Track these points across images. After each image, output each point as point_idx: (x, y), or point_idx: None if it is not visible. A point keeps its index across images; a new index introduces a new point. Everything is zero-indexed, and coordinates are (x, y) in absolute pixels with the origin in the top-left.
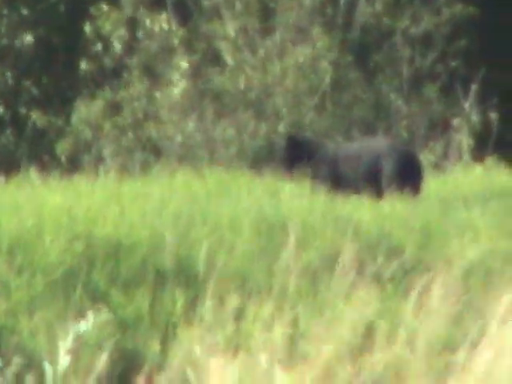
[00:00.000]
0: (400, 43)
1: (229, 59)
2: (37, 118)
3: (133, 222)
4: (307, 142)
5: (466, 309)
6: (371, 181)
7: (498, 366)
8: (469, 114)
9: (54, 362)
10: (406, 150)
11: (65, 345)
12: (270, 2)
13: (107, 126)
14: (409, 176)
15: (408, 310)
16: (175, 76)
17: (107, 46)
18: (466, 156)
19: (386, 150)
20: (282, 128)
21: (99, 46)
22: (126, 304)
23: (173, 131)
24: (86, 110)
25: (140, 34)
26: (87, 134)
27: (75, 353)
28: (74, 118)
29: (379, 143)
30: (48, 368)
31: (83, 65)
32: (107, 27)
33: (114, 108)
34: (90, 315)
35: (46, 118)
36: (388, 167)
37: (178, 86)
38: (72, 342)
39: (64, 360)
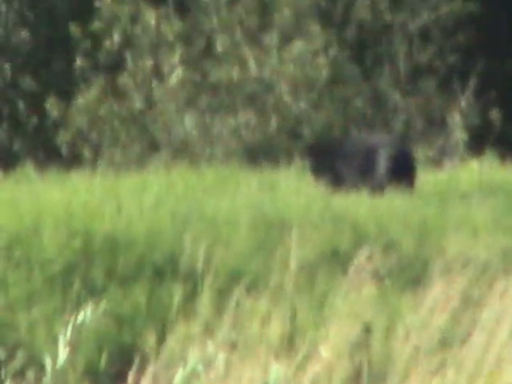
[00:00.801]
0: (398, 38)
1: (225, 52)
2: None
3: (130, 217)
4: (328, 145)
5: (465, 304)
6: (367, 176)
7: (490, 353)
8: (466, 108)
9: (53, 356)
10: (399, 145)
11: (64, 338)
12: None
13: (105, 114)
14: (402, 171)
15: (406, 305)
16: (170, 68)
17: (99, 42)
18: (464, 151)
19: (381, 145)
20: (279, 123)
21: (88, 44)
22: (123, 299)
23: (170, 124)
24: (82, 100)
25: (139, 28)
26: (84, 123)
27: (74, 346)
28: (73, 109)
29: (374, 139)
30: (48, 362)
31: (78, 61)
32: (97, 25)
33: (112, 97)
34: (89, 308)
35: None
36: (382, 163)
37: (174, 79)
38: (71, 334)
39: (63, 353)
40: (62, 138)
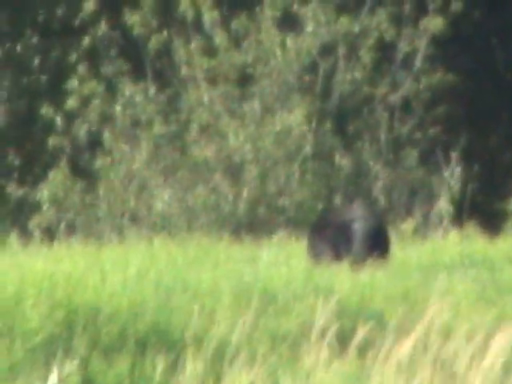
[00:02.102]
0: (379, 110)
1: (206, 123)
2: (12, 190)
3: (113, 289)
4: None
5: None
6: (343, 249)
7: None
8: (449, 181)
9: None
10: (373, 218)
11: None
12: (249, 69)
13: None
14: (375, 245)
15: (391, 378)
16: (150, 145)
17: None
18: (446, 223)
19: (355, 219)
20: (260, 196)
21: (59, 122)
22: (106, 370)
23: (151, 199)
24: (52, 185)
25: (118, 103)
26: (52, 209)
27: None
28: (43, 194)
29: (350, 212)
30: None
31: (51, 140)
32: (71, 104)
33: (90, 177)
34: (55, 370)
35: (22, 191)
36: (356, 236)
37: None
38: None
39: None
40: (35, 222)
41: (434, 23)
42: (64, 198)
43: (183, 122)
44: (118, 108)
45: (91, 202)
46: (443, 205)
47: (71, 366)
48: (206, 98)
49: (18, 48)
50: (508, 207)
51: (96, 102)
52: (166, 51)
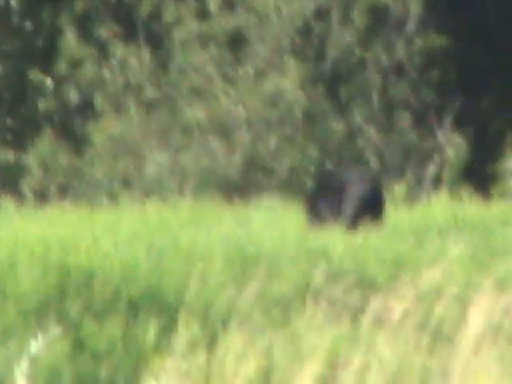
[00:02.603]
0: (372, 73)
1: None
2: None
3: (106, 252)
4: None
5: (438, 338)
6: (338, 212)
7: None
8: (443, 144)
9: None
10: (369, 181)
11: (20, 369)
12: (243, 33)
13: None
14: (371, 208)
15: (381, 340)
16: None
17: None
18: (440, 186)
19: (351, 181)
20: (252, 158)
21: (50, 86)
22: (98, 333)
23: (143, 163)
24: (39, 149)
25: (111, 65)
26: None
27: (31, 377)
28: (32, 156)
29: (346, 175)
30: None
31: (41, 104)
32: (63, 67)
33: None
34: (40, 335)
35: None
36: (351, 199)
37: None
38: (28, 365)
39: None
40: (28, 183)
41: None
42: (52, 162)
43: (175, 84)
44: (110, 71)
45: (82, 166)
46: (436, 168)
47: (55, 332)
48: (197, 61)
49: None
50: (499, 169)
51: (87, 65)
52: (157, 14)
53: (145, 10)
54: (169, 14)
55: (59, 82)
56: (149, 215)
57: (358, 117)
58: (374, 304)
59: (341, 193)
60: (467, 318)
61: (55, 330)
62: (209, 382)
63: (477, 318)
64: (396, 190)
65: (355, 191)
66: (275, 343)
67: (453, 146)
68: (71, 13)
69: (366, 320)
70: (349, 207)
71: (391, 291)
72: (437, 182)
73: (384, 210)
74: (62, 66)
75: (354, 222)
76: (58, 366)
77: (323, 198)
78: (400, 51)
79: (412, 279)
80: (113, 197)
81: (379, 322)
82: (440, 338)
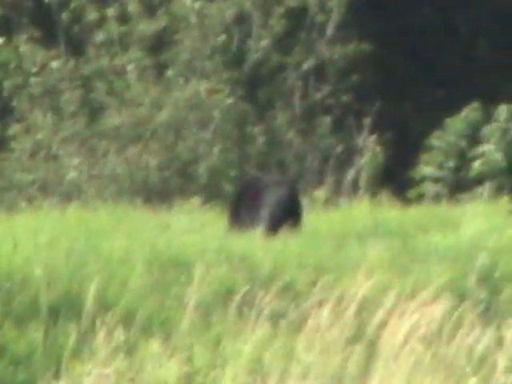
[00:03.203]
0: (292, 77)
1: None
2: None
3: (26, 256)
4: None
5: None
6: (257, 217)
7: None
8: (362, 148)
9: None
10: (286, 186)
11: None
12: (164, 37)
13: None
14: (288, 213)
15: (301, 346)
16: (68, 110)
17: None
18: (358, 191)
19: (268, 186)
20: (172, 162)
21: None
22: (18, 338)
23: (62, 168)
24: None
25: (31, 70)
26: None
27: None
28: None
29: (264, 180)
30: None
31: None
32: None
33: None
34: None
35: None
36: (268, 203)
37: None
38: None
39: None
40: None
41: None
42: None
43: (93, 88)
44: (31, 77)
45: (1, 170)
46: (355, 173)
47: None
48: (117, 63)
49: None
50: (417, 173)
51: (10, 69)
52: (78, 18)
53: (66, 14)
54: (90, 17)
55: None
56: (69, 220)
57: (278, 121)
58: (294, 309)
59: (259, 198)
60: (388, 323)
61: None
62: None
63: (397, 323)
64: (316, 195)
65: (272, 196)
66: (196, 349)
67: (372, 150)
68: None
69: (287, 325)
70: (266, 212)
71: (311, 296)
72: (356, 186)
73: (301, 215)
74: None
75: (271, 227)
76: None
77: (243, 202)
78: (320, 55)
79: (332, 284)
80: (31, 201)
81: (299, 327)
82: (360, 341)
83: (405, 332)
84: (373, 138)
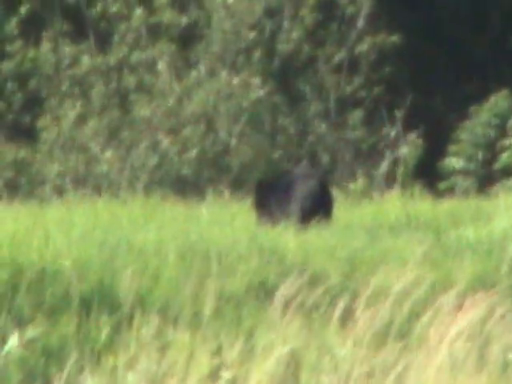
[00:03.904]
0: (323, 69)
1: (154, 88)
2: None
3: (58, 248)
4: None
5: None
6: (288, 210)
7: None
8: (395, 141)
9: None
10: (317, 179)
11: None
12: (195, 31)
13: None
14: (319, 206)
15: (334, 338)
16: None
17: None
18: (393, 184)
19: (300, 179)
20: (204, 154)
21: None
22: (50, 331)
23: (93, 160)
24: None
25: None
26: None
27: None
28: None
29: (296, 173)
30: None
31: None
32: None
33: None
34: (15, 335)
35: None
36: (300, 197)
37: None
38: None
39: None
40: None
41: None
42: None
43: (126, 82)
44: (61, 68)
45: (32, 162)
46: (389, 165)
47: (34, 331)
48: (146, 57)
49: None
50: (445, 167)
51: (41, 62)
52: (106, 12)
53: (95, 9)
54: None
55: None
56: (100, 212)
57: (309, 113)
58: (327, 302)
59: (290, 190)
60: (422, 316)
61: (35, 331)
62: (161, 381)
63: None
64: (351, 187)
65: (303, 188)
66: (227, 340)
67: (406, 142)
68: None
69: (319, 317)
70: (297, 205)
71: (344, 289)
72: (389, 178)
73: (332, 207)
74: (8, 65)
75: (302, 219)
76: (9, 363)
77: (272, 195)
78: (351, 47)
79: (365, 277)
80: (63, 194)
81: (332, 320)
82: (393, 335)
83: (441, 326)
84: (406, 130)
